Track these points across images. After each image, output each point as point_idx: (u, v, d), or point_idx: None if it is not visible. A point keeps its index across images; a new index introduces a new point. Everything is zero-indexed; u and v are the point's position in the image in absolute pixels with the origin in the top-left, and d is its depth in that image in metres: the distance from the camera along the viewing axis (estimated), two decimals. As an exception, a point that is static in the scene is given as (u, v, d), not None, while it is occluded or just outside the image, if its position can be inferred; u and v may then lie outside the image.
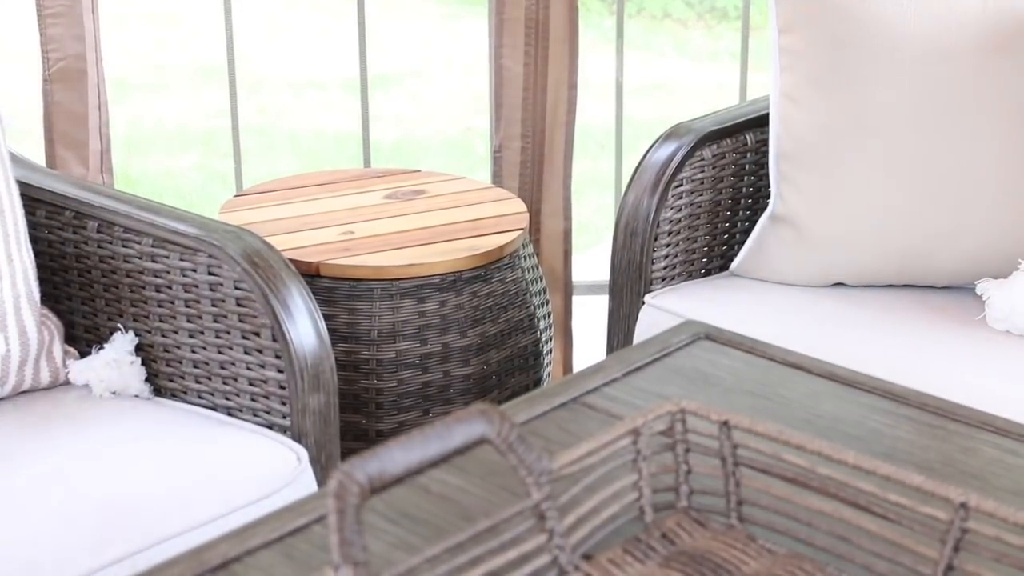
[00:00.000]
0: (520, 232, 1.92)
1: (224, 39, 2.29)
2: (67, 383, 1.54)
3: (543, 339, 1.99)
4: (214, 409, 1.51)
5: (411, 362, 1.83)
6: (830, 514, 0.85)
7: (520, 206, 2.02)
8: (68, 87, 2.14)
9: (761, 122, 1.91)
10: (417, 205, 2.04)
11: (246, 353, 1.46)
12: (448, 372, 1.85)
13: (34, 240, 1.56)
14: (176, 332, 1.51)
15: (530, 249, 1.99)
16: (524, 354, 1.94)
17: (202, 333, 1.49)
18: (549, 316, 2.02)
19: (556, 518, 0.83)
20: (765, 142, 1.90)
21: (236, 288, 1.44)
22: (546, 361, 2.00)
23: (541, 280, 2.01)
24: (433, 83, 4.82)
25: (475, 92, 4.53)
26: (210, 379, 1.50)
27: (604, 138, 3.36)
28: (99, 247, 1.55)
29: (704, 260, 1.93)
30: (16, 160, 1.61)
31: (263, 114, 4.57)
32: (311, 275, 1.78)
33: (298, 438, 1.44)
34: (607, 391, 1.11)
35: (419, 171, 2.21)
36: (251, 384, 1.47)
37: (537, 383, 1.97)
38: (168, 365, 1.53)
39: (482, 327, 1.86)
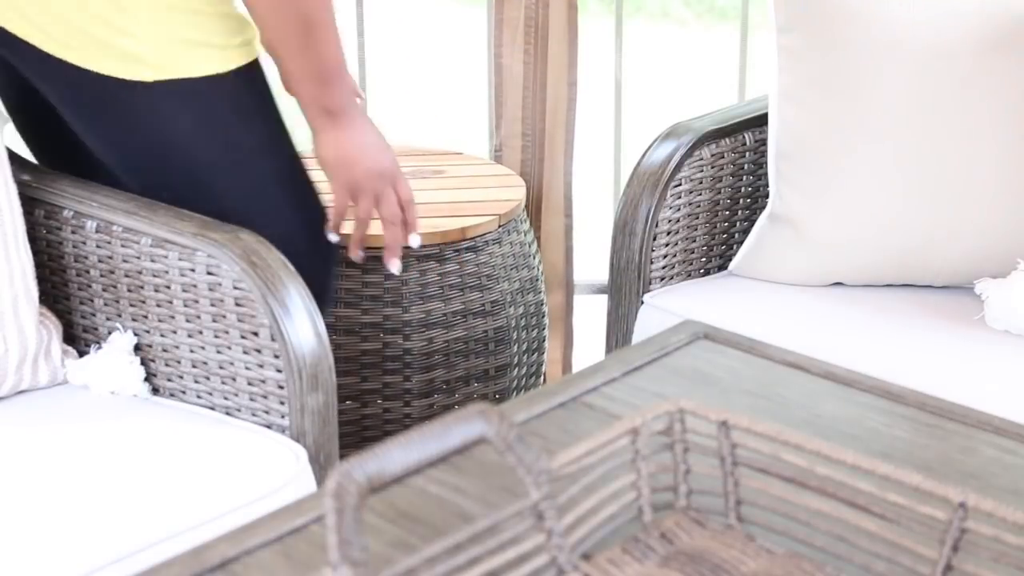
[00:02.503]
0: (504, 212, 2.04)
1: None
2: (65, 383, 1.54)
3: (543, 300, 2.15)
4: (212, 409, 1.51)
5: (439, 321, 1.97)
6: (829, 514, 0.85)
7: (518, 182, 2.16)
8: (67, 87, 2.14)
9: (760, 121, 1.90)
10: (430, 183, 2.15)
11: (245, 353, 1.46)
12: (472, 328, 1.98)
13: (32, 240, 1.56)
14: (175, 332, 1.51)
15: (525, 225, 2.12)
16: (535, 312, 2.10)
17: (201, 333, 1.49)
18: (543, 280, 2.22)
19: (555, 518, 0.83)
20: (764, 142, 1.90)
21: (235, 288, 1.44)
22: (546, 322, 2.17)
23: (535, 244, 2.17)
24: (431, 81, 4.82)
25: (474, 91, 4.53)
26: (208, 379, 1.50)
27: (602, 137, 3.36)
28: (98, 247, 1.54)
29: (703, 260, 1.93)
30: (15, 159, 1.61)
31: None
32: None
33: (297, 438, 1.44)
34: (606, 391, 1.11)
35: (461, 153, 2.30)
36: (250, 384, 1.47)
37: (542, 341, 2.15)
38: (167, 365, 1.53)
39: (500, 286, 2.02)
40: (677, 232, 1.88)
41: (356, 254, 1.71)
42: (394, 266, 1.68)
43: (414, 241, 1.68)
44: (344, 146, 1.60)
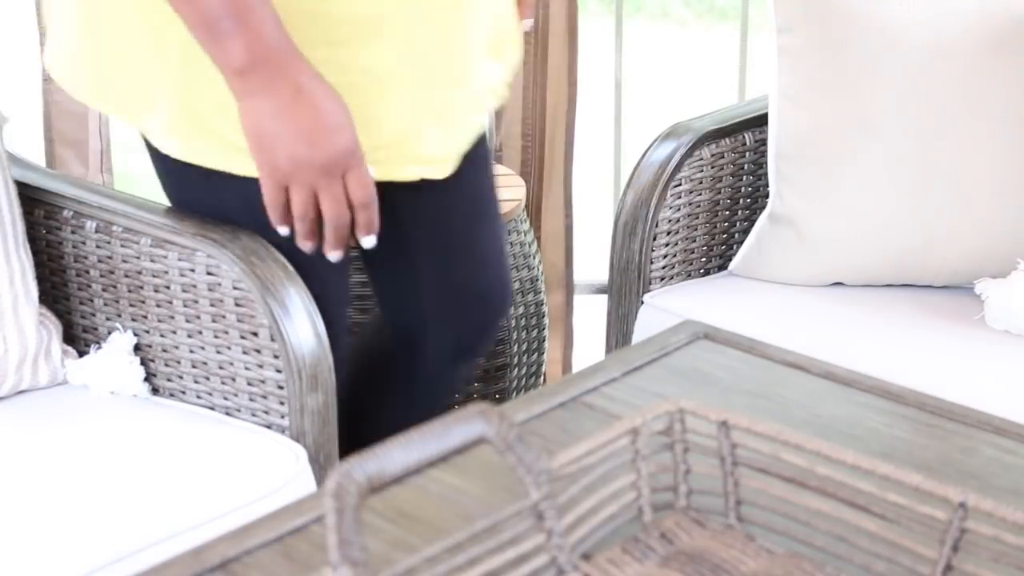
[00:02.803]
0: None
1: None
2: (65, 383, 1.54)
3: (543, 300, 2.16)
4: (212, 409, 1.51)
5: None
6: (829, 514, 0.85)
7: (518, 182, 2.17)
8: (67, 87, 2.14)
9: (760, 121, 1.91)
10: None
11: (244, 353, 1.46)
12: None
13: (32, 240, 1.56)
14: (174, 332, 1.51)
15: (526, 225, 2.12)
16: (534, 312, 2.12)
17: (200, 333, 1.49)
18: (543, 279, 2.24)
19: (555, 518, 0.83)
20: (764, 142, 1.90)
21: (235, 288, 1.44)
22: (546, 322, 2.19)
23: (535, 244, 2.19)
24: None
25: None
26: (208, 379, 1.50)
27: (602, 137, 3.37)
28: (98, 247, 1.54)
29: (703, 260, 1.93)
30: (14, 159, 1.61)
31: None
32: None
33: (297, 438, 1.44)
34: (606, 391, 1.11)
35: None
36: (249, 384, 1.47)
37: (542, 341, 2.16)
38: (166, 365, 1.53)
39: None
40: (677, 232, 1.88)
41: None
42: (333, 256, 1.32)
43: (367, 243, 1.31)
44: (260, 119, 1.21)
